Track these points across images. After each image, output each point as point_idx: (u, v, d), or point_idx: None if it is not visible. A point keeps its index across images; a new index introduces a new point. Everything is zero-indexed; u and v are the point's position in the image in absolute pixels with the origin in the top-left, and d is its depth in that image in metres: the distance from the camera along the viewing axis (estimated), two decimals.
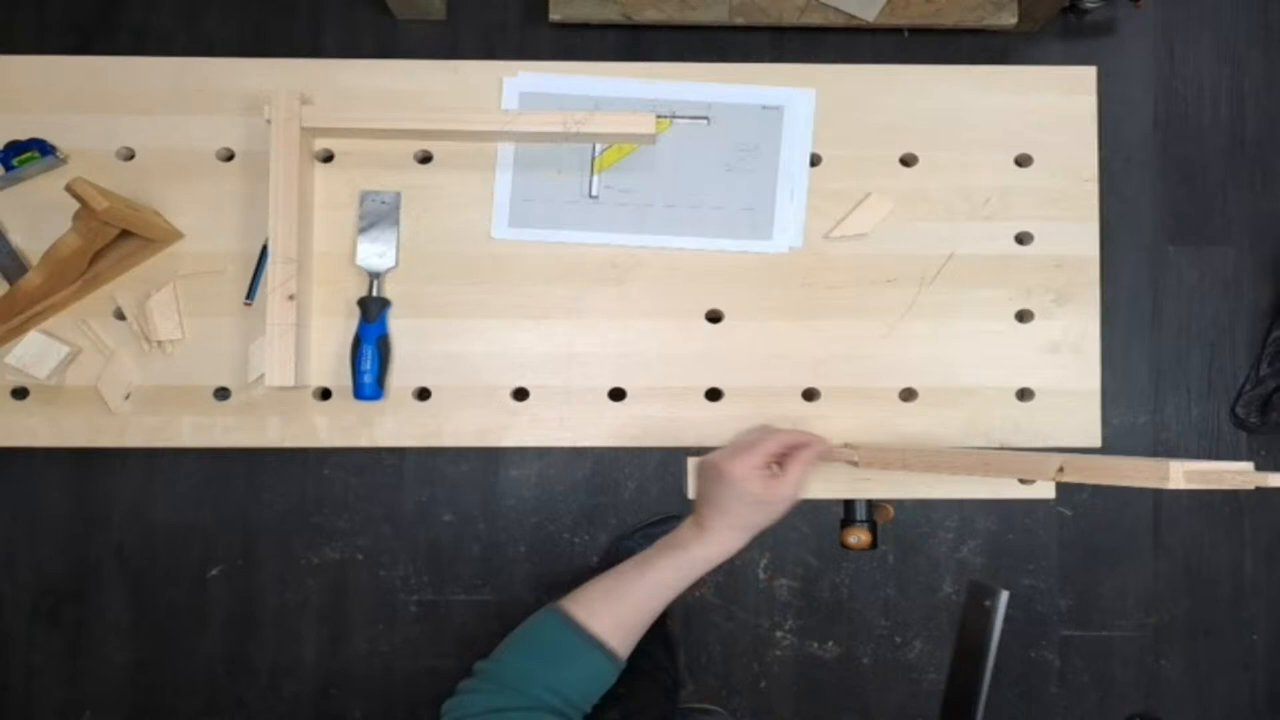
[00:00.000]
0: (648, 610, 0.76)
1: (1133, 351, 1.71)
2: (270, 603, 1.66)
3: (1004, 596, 0.75)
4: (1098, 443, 0.93)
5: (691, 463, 0.92)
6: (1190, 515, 1.72)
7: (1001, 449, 0.91)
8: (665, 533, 1.68)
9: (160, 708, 1.65)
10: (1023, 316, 0.93)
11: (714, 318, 0.93)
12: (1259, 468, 0.56)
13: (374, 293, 0.90)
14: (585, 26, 1.66)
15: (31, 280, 0.83)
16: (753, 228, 0.93)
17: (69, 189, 0.77)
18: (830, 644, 1.68)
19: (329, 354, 0.91)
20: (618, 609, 0.74)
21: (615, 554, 1.65)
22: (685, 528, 0.79)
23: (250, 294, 0.91)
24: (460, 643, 1.66)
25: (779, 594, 1.68)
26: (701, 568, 0.76)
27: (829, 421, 0.92)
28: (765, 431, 0.81)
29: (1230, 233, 1.73)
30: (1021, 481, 0.89)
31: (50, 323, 0.90)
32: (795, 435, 0.80)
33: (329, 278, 0.91)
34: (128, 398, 0.90)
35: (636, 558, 0.78)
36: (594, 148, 0.93)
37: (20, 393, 0.90)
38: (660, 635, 1.39)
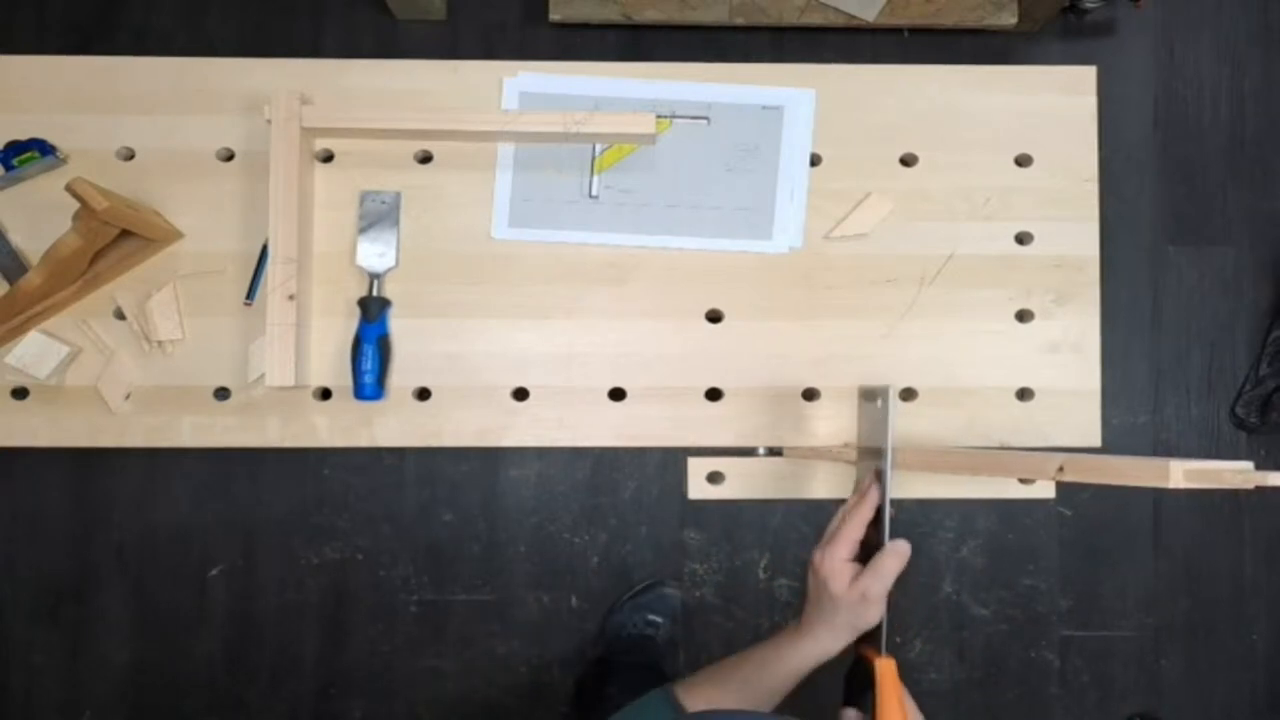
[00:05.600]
0: (748, 699, 0.74)
1: (1133, 351, 1.71)
2: (270, 603, 1.66)
3: (892, 391, 0.77)
4: (1098, 443, 0.93)
5: (693, 464, 0.92)
6: (1190, 515, 1.72)
7: (1001, 449, 0.91)
8: (651, 601, 1.63)
9: (160, 708, 1.65)
10: (1023, 316, 0.93)
11: (714, 318, 0.93)
12: (1259, 468, 0.56)
13: (374, 293, 0.90)
14: (585, 26, 1.66)
15: (31, 280, 0.83)
16: (752, 228, 0.93)
17: (69, 189, 0.77)
18: None
19: (329, 354, 0.91)
20: (711, 694, 0.74)
21: (607, 629, 1.60)
22: (789, 626, 0.77)
23: (250, 294, 0.91)
24: (460, 643, 1.66)
25: (779, 594, 1.68)
26: (797, 665, 0.74)
27: (829, 421, 0.92)
28: (844, 513, 0.76)
29: (1230, 233, 1.73)
30: (1021, 481, 0.89)
31: (50, 323, 0.90)
32: (865, 501, 0.74)
33: (329, 278, 0.91)
34: (128, 398, 0.90)
35: (747, 649, 0.77)
36: (594, 148, 0.93)
37: (20, 393, 0.90)
38: (666, 636, 1.39)
